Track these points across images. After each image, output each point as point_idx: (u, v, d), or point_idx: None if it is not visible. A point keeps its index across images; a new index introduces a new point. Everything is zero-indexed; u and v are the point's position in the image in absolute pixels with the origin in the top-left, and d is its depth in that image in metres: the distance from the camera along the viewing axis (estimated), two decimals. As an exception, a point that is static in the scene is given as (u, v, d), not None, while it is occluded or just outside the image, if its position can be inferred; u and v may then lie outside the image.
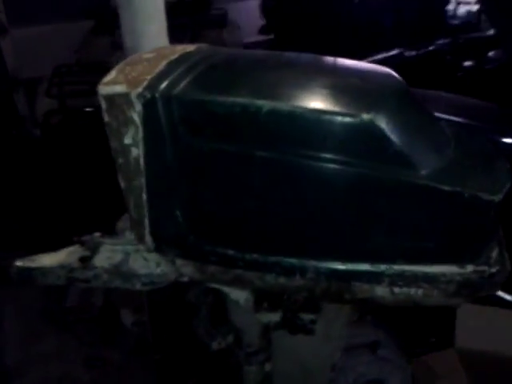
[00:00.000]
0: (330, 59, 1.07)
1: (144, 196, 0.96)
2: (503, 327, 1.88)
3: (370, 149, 0.85)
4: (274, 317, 1.10)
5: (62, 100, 2.88)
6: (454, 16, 4.99)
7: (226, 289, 1.13)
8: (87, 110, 2.98)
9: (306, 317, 1.08)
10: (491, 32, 3.15)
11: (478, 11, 4.89)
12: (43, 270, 1.06)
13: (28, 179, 2.89)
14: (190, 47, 1.09)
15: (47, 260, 1.08)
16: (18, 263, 1.06)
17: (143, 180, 0.95)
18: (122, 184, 0.98)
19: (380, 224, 0.88)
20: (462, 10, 5.45)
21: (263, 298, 1.09)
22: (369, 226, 0.88)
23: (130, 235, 1.14)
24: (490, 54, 2.67)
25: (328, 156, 0.85)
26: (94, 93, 0.96)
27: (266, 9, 4.40)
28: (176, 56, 1.02)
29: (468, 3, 5.45)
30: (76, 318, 2.77)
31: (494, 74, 2.51)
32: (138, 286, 1.04)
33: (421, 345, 2.07)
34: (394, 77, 0.99)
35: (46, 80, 3.02)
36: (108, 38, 3.59)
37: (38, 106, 3.30)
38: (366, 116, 0.83)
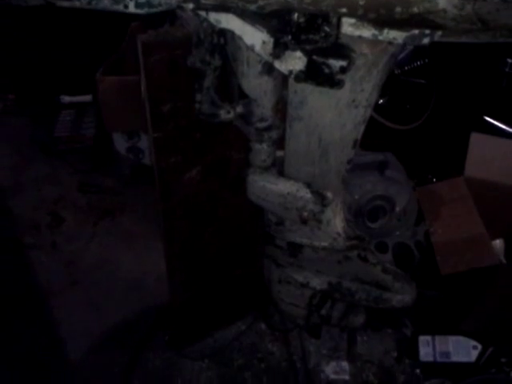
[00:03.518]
0: None
1: None
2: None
3: None
4: (298, 63, 0.91)
5: None
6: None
7: (239, 30, 0.93)
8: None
9: (336, 63, 0.90)
10: None
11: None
12: None
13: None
14: None
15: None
16: None
17: None
18: None
19: None
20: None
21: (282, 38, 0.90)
22: None
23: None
24: None
25: None
26: None
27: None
28: None
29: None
30: (67, 147, 2.66)
31: None
32: (132, 7, 0.83)
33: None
34: None
35: None
36: None
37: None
38: None
